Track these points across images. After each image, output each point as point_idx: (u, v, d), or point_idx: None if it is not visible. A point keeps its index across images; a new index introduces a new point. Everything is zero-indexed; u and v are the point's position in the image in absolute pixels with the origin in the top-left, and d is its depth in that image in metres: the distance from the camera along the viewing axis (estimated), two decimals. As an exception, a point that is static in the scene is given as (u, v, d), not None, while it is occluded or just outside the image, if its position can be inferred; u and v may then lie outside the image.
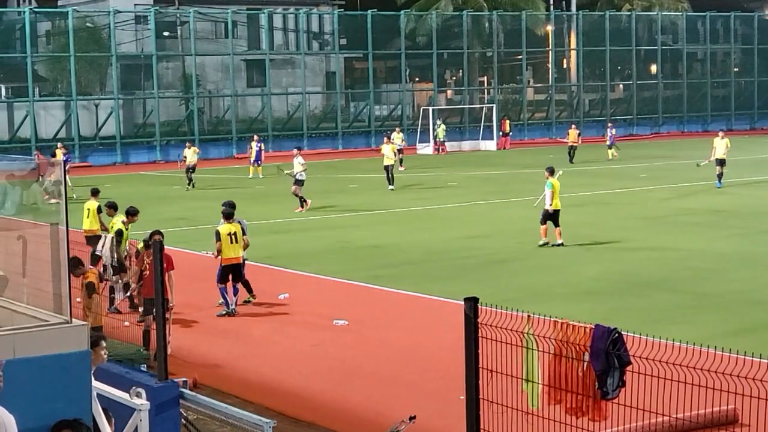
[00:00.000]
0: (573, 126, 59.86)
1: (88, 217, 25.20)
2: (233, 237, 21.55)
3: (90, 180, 48.51)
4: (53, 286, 9.02)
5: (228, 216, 22.03)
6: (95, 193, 26.23)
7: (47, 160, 13.64)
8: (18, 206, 10.65)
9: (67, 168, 45.57)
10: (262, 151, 52.03)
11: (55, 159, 44.89)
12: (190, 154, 46.87)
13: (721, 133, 44.31)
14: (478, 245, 29.12)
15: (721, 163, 42.19)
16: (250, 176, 50.59)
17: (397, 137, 55.33)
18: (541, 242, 28.36)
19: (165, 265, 15.35)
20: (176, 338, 18.18)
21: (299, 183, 38.20)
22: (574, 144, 57.04)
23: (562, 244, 28.17)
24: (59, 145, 50.97)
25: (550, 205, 28.29)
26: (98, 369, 9.84)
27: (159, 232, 19.52)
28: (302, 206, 37.40)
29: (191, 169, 46.38)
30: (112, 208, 23.48)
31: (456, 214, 35.90)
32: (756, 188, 41.88)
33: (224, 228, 21.65)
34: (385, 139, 47.18)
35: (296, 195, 37.90)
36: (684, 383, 9.05)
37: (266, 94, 71.36)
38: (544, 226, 28.47)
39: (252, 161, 51.54)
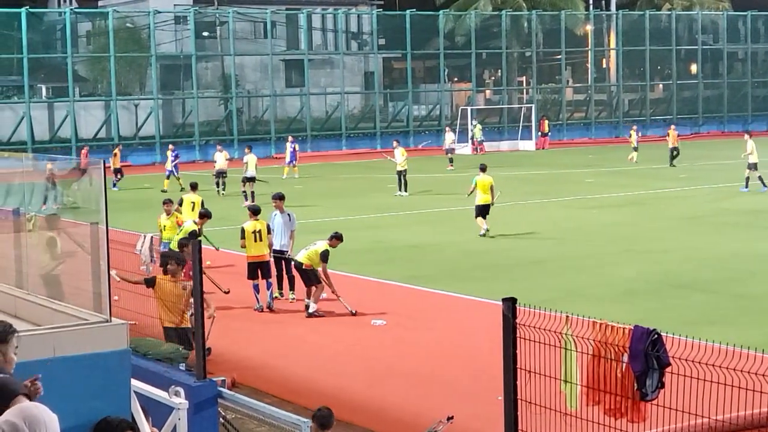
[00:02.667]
0: (673, 126, 56.92)
1: (193, 210, 25.77)
2: (257, 235, 21.75)
3: (129, 179, 48.85)
4: (93, 285, 9.07)
5: (254, 212, 22.26)
6: (194, 187, 27.84)
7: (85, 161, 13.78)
8: (59, 205, 10.73)
9: (176, 163, 47.62)
10: (297, 152, 52.22)
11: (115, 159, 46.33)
12: (221, 159, 45.81)
13: (746, 135, 43.45)
14: (516, 245, 29.06)
15: (753, 166, 41.15)
16: (284, 177, 50.37)
17: (449, 137, 56.00)
18: (481, 232, 30.55)
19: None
20: (214, 337, 18.22)
21: (252, 180, 41.14)
22: (675, 146, 53.38)
23: (484, 234, 30.34)
24: (119, 147, 52.31)
25: (477, 199, 30.87)
26: (138, 367, 9.89)
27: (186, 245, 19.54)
28: (247, 199, 39.43)
29: (222, 174, 45.23)
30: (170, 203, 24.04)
31: (494, 214, 35.80)
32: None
33: (249, 225, 21.89)
34: (395, 143, 46.63)
35: (251, 191, 40.64)
36: (723, 385, 9.00)
37: (305, 94, 71.50)
38: (478, 219, 30.86)
39: (287, 162, 51.80)
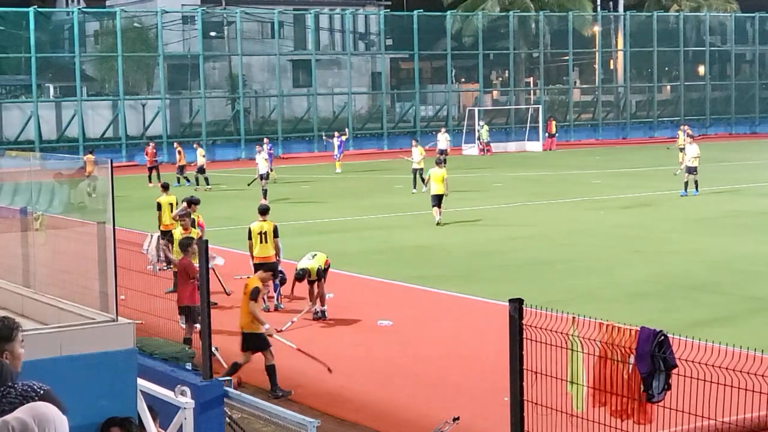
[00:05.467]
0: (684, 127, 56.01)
1: (171, 210, 25.67)
2: (263, 236, 21.69)
3: (137, 179, 48.85)
4: (100, 285, 9.07)
5: (262, 212, 22.20)
6: (166, 187, 27.67)
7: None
8: (66, 205, 10.73)
9: (270, 156, 48.87)
10: (343, 146, 55.65)
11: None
12: (199, 156, 48.28)
13: (689, 139, 42.31)
14: (524, 246, 29.04)
15: (692, 170, 39.78)
16: (338, 171, 53.99)
17: (443, 137, 55.95)
18: (436, 220, 33.31)
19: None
20: (221, 337, 18.24)
21: (266, 177, 42.31)
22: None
23: (438, 223, 33.13)
24: (175, 144, 52.91)
25: (433, 190, 33.74)
26: (144, 367, 9.89)
27: (191, 239, 19.56)
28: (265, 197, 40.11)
29: (201, 170, 47.57)
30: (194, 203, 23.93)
31: (501, 215, 35.83)
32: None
33: (256, 226, 21.83)
34: (413, 142, 47.61)
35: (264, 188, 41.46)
36: (730, 386, 8.99)
37: (312, 94, 71.54)
38: (434, 208, 33.57)
39: (335, 156, 55.01)
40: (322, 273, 20.79)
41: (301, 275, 20.67)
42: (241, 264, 24.59)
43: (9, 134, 62.50)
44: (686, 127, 55.02)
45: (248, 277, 17.91)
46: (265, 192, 40.54)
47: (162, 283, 19.87)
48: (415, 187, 43.67)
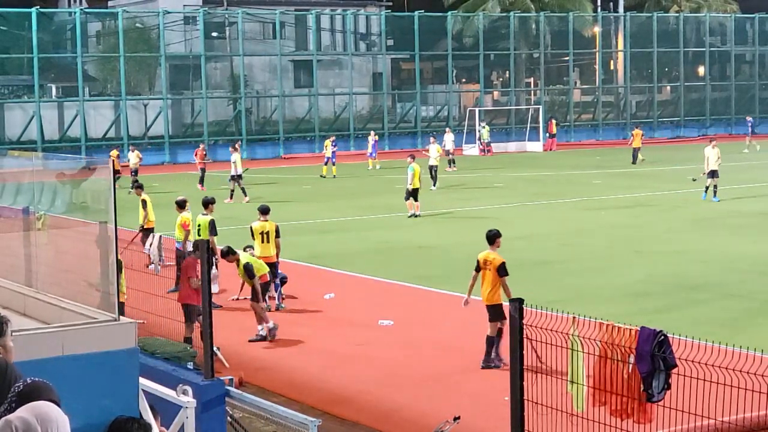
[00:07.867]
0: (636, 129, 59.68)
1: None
2: (265, 236, 21.70)
3: (141, 179, 48.88)
4: (101, 284, 9.09)
5: (263, 212, 22.23)
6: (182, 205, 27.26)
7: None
8: (68, 205, 10.76)
9: (334, 152, 51.69)
10: (377, 145, 57.64)
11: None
12: (134, 158, 48.82)
13: (713, 142, 40.12)
14: (524, 246, 29.04)
15: (713, 174, 38.37)
16: (369, 168, 55.87)
17: (448, 137, 56.13)
18: (408, 214, 35.11)
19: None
20: (222, 337, 18.27)
21: (239, 178, 41.98)
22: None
23: (415, 215, 34.95)
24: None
25: (410, 184, 35.09)
26: (146, 366, 9.92)
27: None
28: (231, 198, 41.07)
29: (135, 173, 47.19)
30: (181, 206, 23.67)
31: (501, 215, 35.82)
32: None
33: (258, 226, 21.87)
34: (432, 139, 48.02)
35: (240, 187, 41.56)
36: (730, 386, 9.02)
37: (313, 94, 71.58)
38: (408, 202, 35.36)
39: (369, 154, 56.83)
40: (251, 272, 19.27)
41: (225, 252, 19.62)
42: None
43: (11, 134, 62.56)
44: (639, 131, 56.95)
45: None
46: (243, 190, 40.72)
47: (164, 283, 19.91)
48: (435, 185, 44.18)
